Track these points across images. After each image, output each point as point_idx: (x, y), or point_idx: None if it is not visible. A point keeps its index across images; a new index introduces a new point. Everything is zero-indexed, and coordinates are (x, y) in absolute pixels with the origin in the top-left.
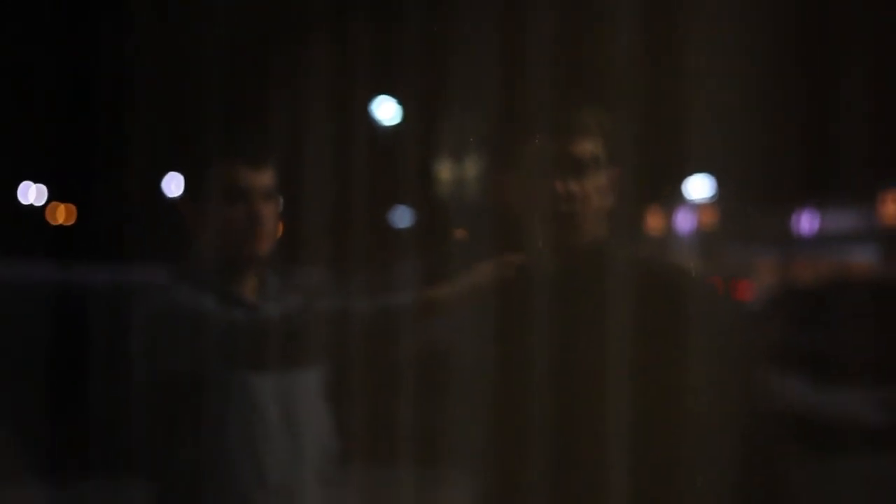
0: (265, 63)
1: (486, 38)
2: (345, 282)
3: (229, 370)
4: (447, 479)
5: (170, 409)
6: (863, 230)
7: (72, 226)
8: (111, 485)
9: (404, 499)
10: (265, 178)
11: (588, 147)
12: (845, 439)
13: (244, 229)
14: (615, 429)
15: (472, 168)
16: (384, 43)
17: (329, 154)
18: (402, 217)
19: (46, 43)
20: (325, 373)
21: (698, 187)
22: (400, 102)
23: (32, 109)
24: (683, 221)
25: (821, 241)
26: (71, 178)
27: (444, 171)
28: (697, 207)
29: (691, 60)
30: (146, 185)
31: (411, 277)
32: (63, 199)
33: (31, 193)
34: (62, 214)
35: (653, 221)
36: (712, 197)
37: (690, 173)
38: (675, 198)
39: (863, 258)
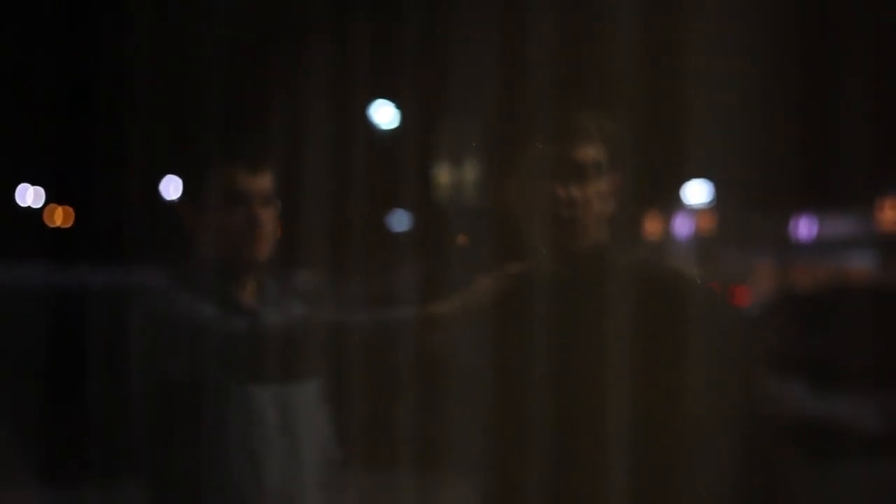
0: (264, 66)
1: (485, 42)
2: (343, 285)
3: (228, 378)
4: (452, 488)
5: (167, 414)
6: (861, 236)
7: (70, 228)
8: (109, 487)
9: None
10: (264, 182)
11: (590, 152)
12: (843, 445)
13: (243, 233)
14: (620, 434)
15: (470, 172)
16: (383, 46)
17: (327, 158)
18: (400, 221)
19: (45, 45)
20: (325, 383)
21: (696, 192)
22: (398, 106)
23: (31, 111)
24: (681, 226)
25: (819, 246)
26: (69, 180)
27: (443, 174)
28: (695, 212)
29: (690, 65)
30: (144, 187)
31: (410, 281)
32: (61, 202)
33: (29, 195)
34: (60, 216)
35: (651, 226)
36: (710, 202)
37: (688, 178)
38: (673, 203)
39: (861, 264)
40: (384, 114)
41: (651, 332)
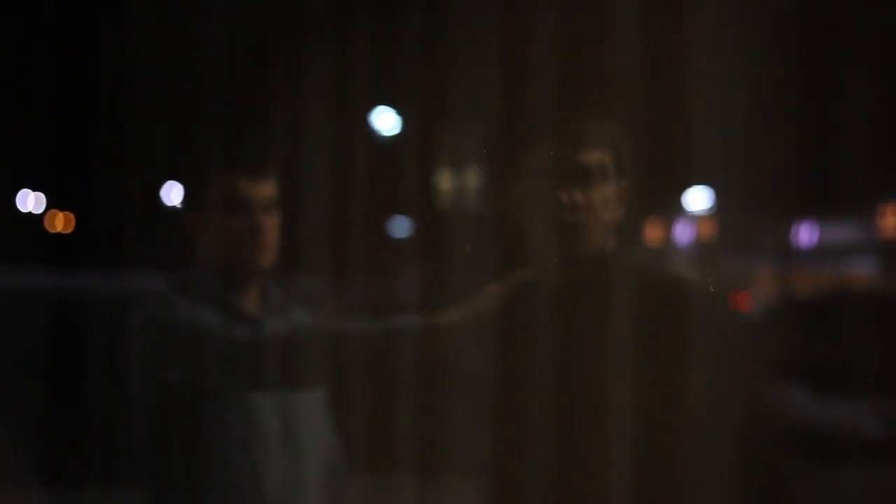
0: (265, 72)
1: (487, 47)
2: (344, 292)
3: (228, 385)
4: (459, 497)
5: (167, 421)
6: (862, 242)
7: (70, 233)
8: (107, 493)
9: None
10: (266, 189)
11: (595, 157)
12: (844, 450)
13: (245, 240)
14: (629, 439)
15: (473, 178)
16: (385, 52)
17: (329, 164)
18: (401, 227)
19: (46, 49)
20: (328, 391)
21: (697, 198)
22: (399, 112)
23: (31, 116)
24: (682, 233)
25: (820, 252)
26: (69, 185)
27: (445, 180)
28: (696, 219)
29: (691, 70)
30: (145, 193)
31: (411, 288)
32: (62, 207)
33: (30, 201)
34: (61, 222)
35: (652, 232)
36: (711, 208)
37: (690, 184)
38: (674, 209)
39: (862, 270)
40: (385, 120)
41: (657, 339)
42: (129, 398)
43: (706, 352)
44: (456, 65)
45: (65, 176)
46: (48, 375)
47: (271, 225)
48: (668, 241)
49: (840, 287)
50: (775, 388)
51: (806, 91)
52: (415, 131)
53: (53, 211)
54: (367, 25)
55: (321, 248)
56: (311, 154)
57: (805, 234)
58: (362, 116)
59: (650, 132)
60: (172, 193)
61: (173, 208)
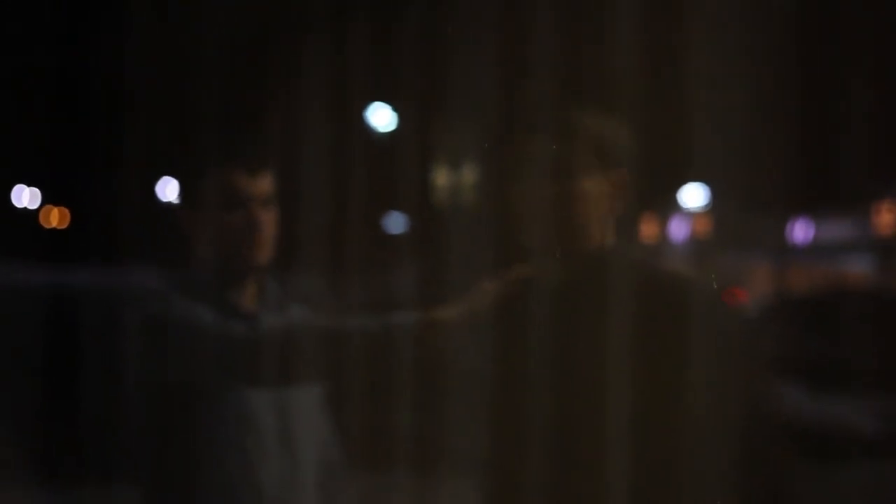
0: (262, 68)
1: (483, 44)
2: (340, 288)
3: (225, 382)
4: (456, 494)
5: (162, 417)
6: (858, 239)
7: (66, 229)
8: (104, 491)
9: None
10: (264, 185)
11: (583, 149)
12: (841, 448)
13: (242, 236)
14: (627, 436)
15: (469, 174)
16: (381, 49)
17: (324, 160)
18: (397, 223)
19: (41, 45)
20: (326, 388)
21: (693, 195)
22: (395, 109)
23: (27, 112)
24: (678, 229)
25: (816, 250)
26: (65, 181)
27: (441, 177)
28: (692, 216)
29: (687, 68)
30: (141, 189)
31: (407, 284)
32: (57, 203)
33: (25, 196)
34: (56, 218)
35: (647, 229)
36: (707, 205)
37: (685, 181)
38: (669, 206)
39: (858, 268)
40: (381, 116)
41: (657, 336)
42: (125, 395)
43: (706, 349)
44: (453, 61)
45: (60, 171)
46: (43, 372)
47: (269, 220)
48: (663, 237)
49: (836, 284)
50: (774, 385)
51: (802, 88)
52: (411, 128)
53: (48, 206)
54: (363, 22)
55: (317, 245)
56: (306, 150)
57: (801, 232)
58: (358, 113)
59: (646, 129)
60: (168, 189)
61: (169, 204)
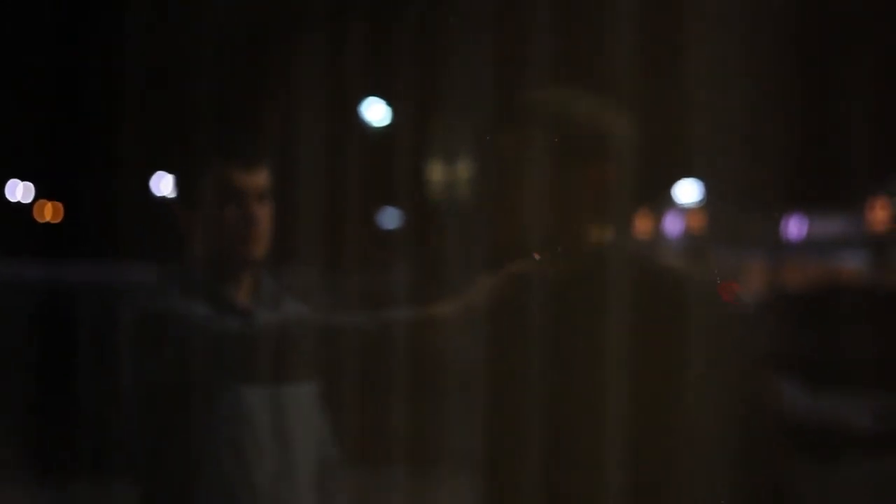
0: (257, 64)
1: (477, 38)
2: (333, 282)
3: (219, 378)
4: (452, 490)
5: (156, 414)
6: (852, 236)
7: (59, 223)
8: (99, 487)
9: None
10: (259, 179)
11: (579, 142)
12: (834, 443)
13: (238, 230)
14: (627, 431)
15: (463, 169)
16: (375, 44)
17: (318, 155)
18: (391, 218)
19: (34, 40)
20: (322, 384)
21: (687, 191)
22: (390, 104)
23: (20, 107)
24: (672, 225)
25: (809, 246)
26: (58, 175)
27: (436, 172)
28: (686, 211)
29: (681, 64)
30: (134, 183)
31: (401, 279)
32: (50, 197)
33: (19, 191)
34: (49, 212)
35: (641, 224)
36: (701, 201)
37: (679, 177)
38: (663, 201)
39: (851, 264)
40: (376, 111)
41: (658, 332)
42: (120, 390)
43: (707, 345)
44: (447, 56)
45: (53, 165)
46: (36, 367)
47: (264, 215)
48: (657, 233)
49: (830, 280)
50: (773, 379)
51: (797, 85)
52: (405, 122)
53: (42, 201)
54: (358, 17)
55: (309, 239)
56: (300, 145)
57: (795, 228)
58: (353, 108)
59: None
60: (162, 183)
61: (163, 198)
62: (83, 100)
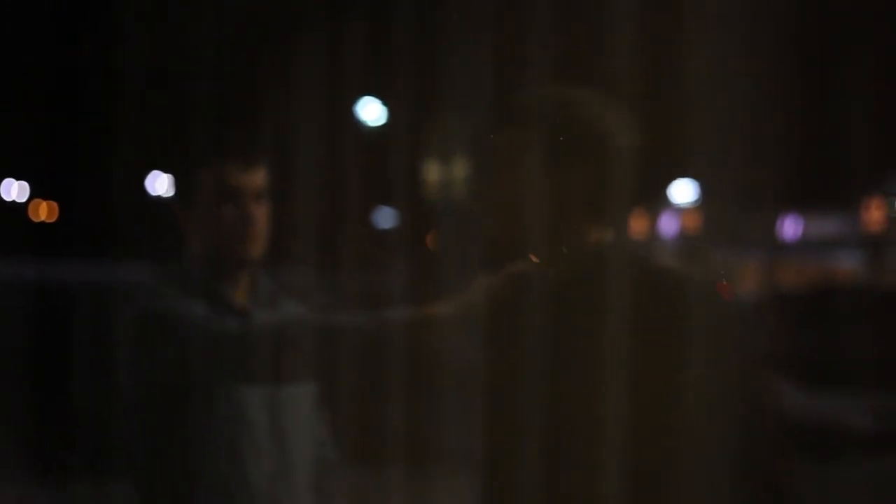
0: (254, 63)
1: (473, 38)
2: (329, 282)
3: (217, 379)
4: (450, 490)
5: (153, 414)
6: (847, 236)
7: (54, 223)
8: (96, 487)
9: None
10: (257, 179)
11: (577, 142)
12: (830, 443)
13: (235, 230)
14: (626, 432)
15: (459, 169)
16: (371, 44)
17: (314, 155)
18: (386, 218)
19: (30, 40)
20: (320, 385)
21: (683, 191)
22: (385, 103)
23: (16, 106)
24: (667, 225)
25: (805, 246)
26: (53, 175)
27: (431, 171)
28: (681, 211)
29: (678, 65)
30: (129, 182)
31: (396, 278)
32: (45, 197)
33: (14, 190)
34: (44, 211)
35: (637, 225)
36: (696, 201)
37: (675, 177)
38: (659, 202)
39: (847, 264)
40: (371, 111)
41: (657, 332)
42: (117, 390)
43: (706, 345)
44: (444, 56)
45: (48, 165)
46: (32, 366)
47: (261, 214)
48: (653, 233)
49: (825, 280)
50: (774, 381)
51: (793, 86)
52: (401, 122)
53: (37, 200)
54: (354, 17)
55: (305, 239)
56: (296, 145)
57: (790, 228)
58: (350, 107)
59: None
60: (157, 183)
61: (158, 198)
62: (78, 99)
